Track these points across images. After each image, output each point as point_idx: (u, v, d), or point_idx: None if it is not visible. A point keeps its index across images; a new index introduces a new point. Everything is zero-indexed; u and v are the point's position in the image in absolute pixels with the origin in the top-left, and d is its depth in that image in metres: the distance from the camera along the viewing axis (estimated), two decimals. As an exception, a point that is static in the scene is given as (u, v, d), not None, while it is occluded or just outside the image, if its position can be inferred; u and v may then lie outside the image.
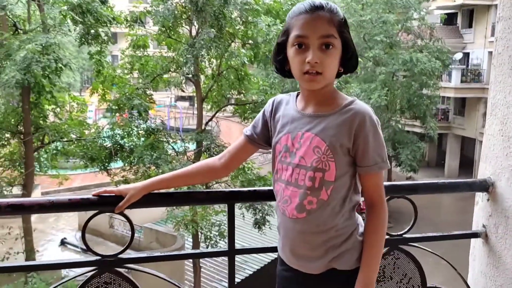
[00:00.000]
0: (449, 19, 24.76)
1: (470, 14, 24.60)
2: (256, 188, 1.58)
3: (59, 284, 1.53)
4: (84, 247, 12.86)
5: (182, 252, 1.49)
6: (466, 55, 24.52)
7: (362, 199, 1.40)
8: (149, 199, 1.49)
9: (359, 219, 1.40)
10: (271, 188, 1.54)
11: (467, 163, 22.78)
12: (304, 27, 1.27)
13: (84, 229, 1.52)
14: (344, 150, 1.30)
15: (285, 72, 1.38)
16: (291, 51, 1.30)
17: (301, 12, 1.28)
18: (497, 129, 1.73)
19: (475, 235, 1.81)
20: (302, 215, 1.32)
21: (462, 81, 22.25)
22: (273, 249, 1.73)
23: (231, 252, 1.59)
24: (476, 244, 1.86)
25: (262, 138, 1.47)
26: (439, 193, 1.71)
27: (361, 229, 1.38)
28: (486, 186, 1.75)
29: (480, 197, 1.82)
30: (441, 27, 23.95)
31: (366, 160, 1.30)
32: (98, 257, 1.50)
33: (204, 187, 8.71)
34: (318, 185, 1.30)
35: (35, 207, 1.44)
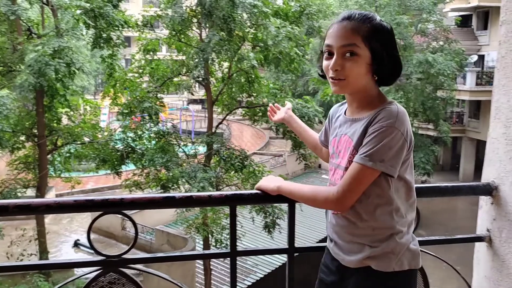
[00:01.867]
0: (464, 21, 24.50)
1: (485, 16, 24.31)
2: (258, 191, 1.59)
3: (64, 283, 1.57)
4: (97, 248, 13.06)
5: (185, 253, 1.52)
6: (481, 57, 24.23)
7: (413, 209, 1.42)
8: (153, 202, 1.52)
9: (408, 227, 1.40)
10: None
11: (482, 167, 22.45)
12: (331, 37, 1.37)
13: (89, 229, 1.56)
14: None
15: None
16: (323, 58, 1.41)
17: (334, 22, 1.39)
18: (500, 132, 1.72)
19: (479, 239, 1.80)
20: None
21: (477, 84, 21.96)
22: (277, 251, 1.74)
23: (233, 254, 1.61)
24: (480, 248, 1.84)
25: (328, 142, 1.61)
26: (441, 196, 1.71)
27: (406, 236, 1.38)
28: (489, 190, 1.74)
29: (484, 201, 1.81)
30: (455, 29, 23.72)
31: (359, 150, 1.32)
32: (103, 257, 1.53)
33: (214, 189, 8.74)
34: None
35: (41, 207, 1.47)
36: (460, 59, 19.67)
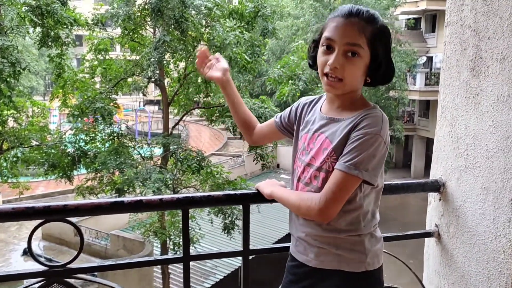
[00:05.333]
0: (413, 24, 25.51)
1: (433, 19, 25.44)
2: (211, 193, 1.56)
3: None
4: (48, 256, 12.53)
5: (135, 260, 1.45)
6: (430, 59, 25.31)
7: (376, 211, 1.41)
8: (100, 207, 1.45)
9: (375, 227, 1.40)
10: (226, 192, 1.60)
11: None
12: (334, 30, 1.29)
13: (30, 238, 1.46)
14: None
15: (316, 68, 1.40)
16: (320, 50, 1.33)
17: (337, 14, 1.31)
18: (447, 130, 1.77)
19: (428, 234, 1.85)
20: None
21: (426, 84, 22.93)
22: (232, 254, 1.71)
23: (186, 258, 1.56)
24: (429, 243, 1.89)
25: (287, 129, 1.55)
26: (392, 194, 1.74)
27: (374, 236, 1.38)
28: (437, 187, 1.79)
29: (433, 197, 1.86)
30: (406, 32, 24.64)
31: (342, 157, 1.28)
32: (45, 268, 1.44)
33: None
34: (322, 184, 1.32)
35: (-27, 217, 1.37)
36: (410, 60, 20.46)
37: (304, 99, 1.53)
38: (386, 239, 1.78)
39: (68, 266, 1.47)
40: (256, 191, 1.56)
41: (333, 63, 1.27)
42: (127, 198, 1.53)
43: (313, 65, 1.41)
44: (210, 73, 1.60)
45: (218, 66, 1.60)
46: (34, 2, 8.50)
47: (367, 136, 1.25)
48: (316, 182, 1.35)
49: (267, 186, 1.50)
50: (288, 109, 1.56)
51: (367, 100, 1.38)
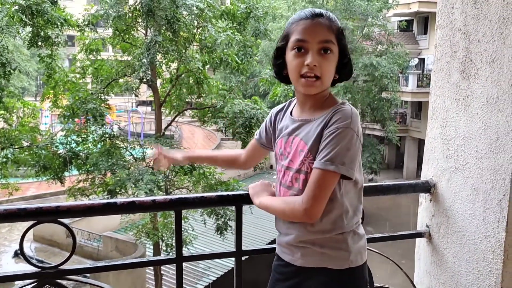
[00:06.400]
0: (406, 26, 25.68)
1: (425, 21, 25.63)
2: (203, 194, 1.56)
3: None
4: (39, 258, 12.43)
5: (128, 261, 1.45)
6: (422, 60, 25.49)
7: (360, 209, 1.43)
8: (92, 208, 1.45)
9: (357, 224, 1.41)
10: (219, 193, 1.64)
11: (423, 165, 23.63)
12: (305, 32, 1.32)
13: (22, 240, 1.46)
14: None
15: (283, 76, 1.43)
16: (290, 55, 1.35)
17: (301, 18, 1.35)
18: (437, 132, 1.79)
19: (419, 234, 1.87)
20: None
21: (418, 86, 23.09)
22: (225, 255, 1.72)
23: (179, 260, 1.56)
24: (420, 243, 1.91)
25: (268, 142, 1.58)
26: (384, 194, 1.76)
27: (356, 233, 1.40)
28: (428, 187, 1.81)
29: (424, 198, 1.88)
30: (398, 34, 24.81)
31: (318, 155, 1.30)
32: (38, 269, 1.44)
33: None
34: (302, 186, 1.34)
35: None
36: (402, 62, 20.60)
37: (274, 109, 1.57)
38: (378, 239, 1.81)
39: (60, 267, 1.46)
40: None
41: (312, 62, 1.30)
42: (120, 199, 1.53)
43: (278, 73, 1.44)
44: (164, 164, 1.70)
45: (169, 158, 1.70)
46: (24, 1, 8.40)
47: (339, 130, 1.28)
48: (297, 185, 1.37)
49: (256, 195, 1.51)
50: (263, 124, 1.60)
51: (335, 97, 1.41)
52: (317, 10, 1.35)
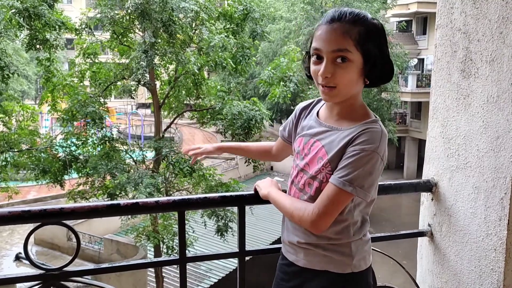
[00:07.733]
0: (405, 26, 25.70)
1: (424, 22, 25.68)
2: (206, 195, 1.57)
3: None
4: (40, 261, 12.42)
5: (131, 262, 1.45)
6: (421, 60, 25.52)
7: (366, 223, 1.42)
8: (96, 210, 1.46)
9: (364, 232, 1.40)
10: (222, 194, 1.61)
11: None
12: (319, 40, 1.27)
13: (26, 242, 1.46)
14: None
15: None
16: (311, 60, 1.31)
17: (322, 22, 1.29)
18: (438, 131, 1.80)
19: (421, 234, 1.88)
20: None
21: (417, 86, 23.12)
22: (228, 256, 1.72)
23: (182, 260, 1.57)
24: (422, 242, 1.92)
25: (289, 136, 1.55)
26: (385, 194, 1.76)
27: (362, 240, 1.39)
28: (429, 187, 1.82)
29: (425, 197, 1.89)
30: (397, 34, 24.84)
31: (338, 171, 1.26)
32: (42, 271, 1.45)
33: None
34: (314, 193, 1.33)
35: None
36: (401, 62, 20.63)
37: (301, 104, 1.52)
38: (380, 239, 1.81)
39: (64, 269, 1.47)
40: (252, 192, 1.57)
41: (323, 73, 1.25)
42: (124, 200, 1.53)
43: (310, 76, 1.39)
44: (199, 153, 1.77)
45: (202, 148, 1.77)
46: (21, 4, 8.37)
47: (364, 153, 1.23)
48: (309, 190, 1.35)
49: (265, 186, 1.50)
50: (288, 119, 1.56)
51: (368, 110, 1.35)
52: (338, 12, 1.26)
